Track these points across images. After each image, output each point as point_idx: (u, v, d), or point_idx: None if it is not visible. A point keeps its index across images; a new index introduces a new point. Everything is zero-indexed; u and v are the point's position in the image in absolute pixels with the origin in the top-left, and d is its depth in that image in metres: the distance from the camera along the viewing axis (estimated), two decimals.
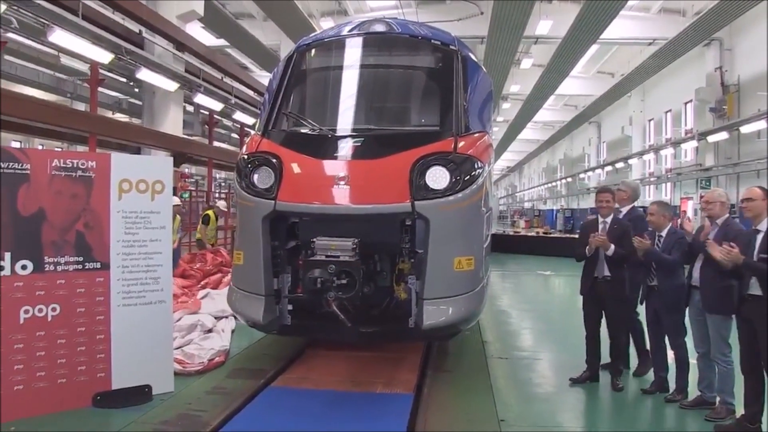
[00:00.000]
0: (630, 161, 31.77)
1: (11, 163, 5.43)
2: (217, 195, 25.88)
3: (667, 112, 29.35)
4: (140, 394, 5.89)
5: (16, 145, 25.06)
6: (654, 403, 6.28)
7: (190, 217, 20.41)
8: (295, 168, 6.22)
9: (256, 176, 6.24)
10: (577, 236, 7.44)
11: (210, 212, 13.43)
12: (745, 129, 20.15)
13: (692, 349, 6.21)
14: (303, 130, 6.77)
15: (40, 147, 21.20)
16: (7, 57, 15.79)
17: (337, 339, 6.78)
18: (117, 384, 5.85)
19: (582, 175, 42.41)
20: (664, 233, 6.40)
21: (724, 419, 5.64)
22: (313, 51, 7.58)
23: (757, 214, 5.44)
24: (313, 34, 8.43)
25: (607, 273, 6.62)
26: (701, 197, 6.82)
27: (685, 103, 26.67)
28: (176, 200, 12.99)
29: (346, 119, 6.89)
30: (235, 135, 26.68)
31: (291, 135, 6.79)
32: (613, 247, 6.48)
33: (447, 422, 5.55)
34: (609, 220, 6.76)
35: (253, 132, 7.60)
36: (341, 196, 5.96)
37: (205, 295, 9.52)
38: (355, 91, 7.10)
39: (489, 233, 7.46)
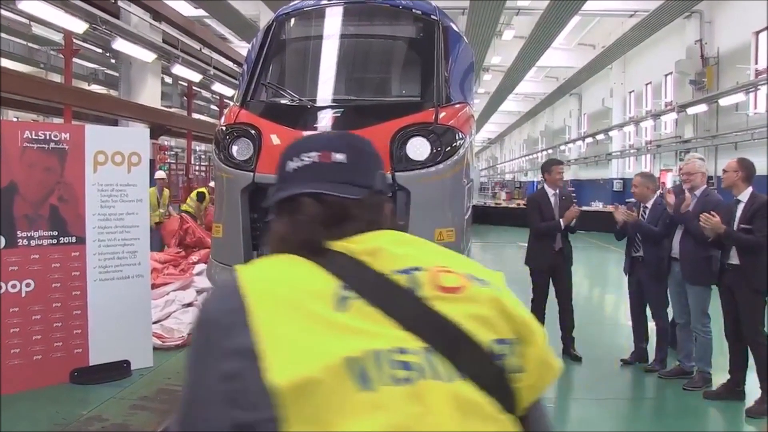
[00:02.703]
0: (610, 133, 31.84)
1: None
2: (197, 168, 25.65)
3: (647, 84, 29.35)
4: (119, 370, 5.84)
5: None
6: (633, 374, 6.34)
7: (170, 191, 20.20)
8: (275, 139, 6.11)
9: (234, 148, 6.12)
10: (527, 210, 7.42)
11: (204, 189, 13.41)
12: (723, 101, 20.20)
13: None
14: (282, 101, 6.65)
15: (14, 119, 20.81)
16: None
17: None
18: (95, 360, 5.78)
19: (563, 147, 42.48)
20: (649, 204, 6.40)
21: (701, 388, 5.70)
22: (292, 20, 7.42)
23: (730, 184, 5.48)
24: (292, 3, 8.26)
25: (560, 244, 6.80)
26: (680, 169, 6.80)
27: (666, 76, 26.69)
28: (162, 174, 12.87)
29: (325, 90, 6.78)
30: (214, 107, 26.37)
31: (270, 106, 6.67)
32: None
33: None
34: (557, 192, 6.84)
35: (231, 103, 7.48)
36: None
37: (200, 271, 9.43)
38: (334, 62, 6.97)
39: (470, 205, 7.43)
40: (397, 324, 1.04)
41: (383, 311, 1.05)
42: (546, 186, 6.94)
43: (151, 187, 11.35)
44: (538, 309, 6.82)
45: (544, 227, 6.81)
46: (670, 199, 6.09)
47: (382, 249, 1.14)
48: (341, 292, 1.06)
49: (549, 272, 6.86)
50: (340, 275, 1.09)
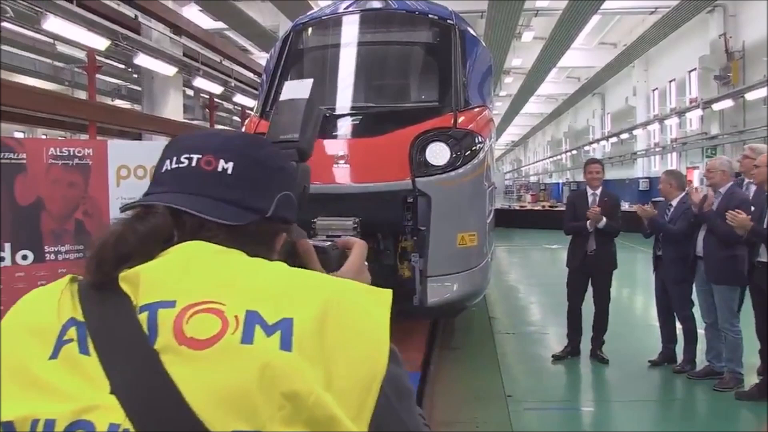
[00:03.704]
0: (635, 132, 31.52)
1: (7, 153, 5.37)
2: None
3: (671, 81, 29.03)
4: None
5: (19, 135, 25.05)
6: (662, 375, 6.25)
7: None
8: None
9: None
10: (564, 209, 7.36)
11: None
12: (750, 96, 19.88)
13: (700, 319, 6.17)
14: None
15: (43, 137, 21.17)
16: (3, 47, 15.71)
17: None
18: None
19: (587, 147, 42.11)
20: (674, 203, 6.31)
21: (732, 389, 5.60)
22: (309, 29, 7.48)
23: (762, 180, 5.39)
24: (309, 13, 8.33)
25: (594, 247, 6.55)
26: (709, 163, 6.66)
27: (689, 72, 26.36)
28: None
29: (344, 97, 6.83)
30: (236, 118, 26.56)
31: None
32: (604, 219, 6.42)
33: (453, 399, 5.54)
34: (599, 192, 6.69)
35: (250, 113, 7.54)
36: (341, 175, 5.90)
37: None
38: (352, 69, 7.01)
39: (492, 208, 7.41)
40: (109, 385, 0.79)
41: (102, 364, 0.80)
42: (587, 186, 6.84)
43: None
44: (572, 311, 6.76)
45: (571, 227, 6.73)
46: (696, 197, 5.99)
47: (141, 272, 0.87)
48: (68, 332, 0.84)
49: (584, 274, 6.72)
50: (84, 308, 0.86)
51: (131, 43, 13.90)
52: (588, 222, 6.48)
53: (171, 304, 0.82)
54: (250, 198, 0.96)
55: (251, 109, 22.42)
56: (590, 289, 6.73)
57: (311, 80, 1.60)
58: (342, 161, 5.87)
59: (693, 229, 6.01)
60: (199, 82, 17.65)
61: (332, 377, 0.79)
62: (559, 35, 22.59)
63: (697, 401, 5.77)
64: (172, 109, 17.07)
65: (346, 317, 0.85)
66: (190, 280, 0.85)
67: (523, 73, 31.13)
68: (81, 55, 17.72)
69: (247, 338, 0.79)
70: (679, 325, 6.39)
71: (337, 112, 6.54)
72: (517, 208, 30.69)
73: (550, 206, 30.36)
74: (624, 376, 6.27)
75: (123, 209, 0.98)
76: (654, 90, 31.58)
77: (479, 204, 6.31)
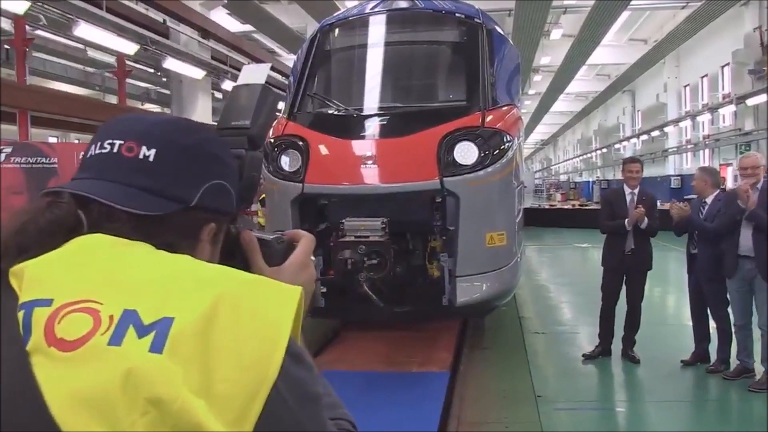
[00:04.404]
0: (666, 129, 31.12)
1: (39, 158, 5.46)
2: None
3: (703, 77, 28.58)
4: None
5: (53, 140, 25.49)
6: (695, 375, 6.15)
7: None
8: (322, 149, 6.16)
9: (283, 159, 6.19)
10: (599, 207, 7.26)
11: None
12: None
13: None
14: (329, 111, 6.70)
15: (76, 141, 21.53)
16: (35, 54, 15.99)
17: (372, 319, 6.74)
18: None
19: (617, 146, 41.64)
20: (708, 200, 6.20)
21: (767, 390, 5.49)
22: (336, 30, 7.49)
23: None
24: (336, 14, 8.34)
25: (632, 246, 6.46)
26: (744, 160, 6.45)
27: (722, 67, 25.94)
28: None
29: (371, 98, 6.82)
30: None
31: (317, 116, 6.74)
32: (647, 219, 6.33)
33: (483, 399, 5.51)
34: (636, 191, 6.59)
35: (279, 115, 7.58)
36: (369, 176, 5.89)
37: None
38: (379, 69, 7.01)
39: (521, 207, 7.35)
40: None
41: None
42: (625, 185, 6.74)
43: None
44: (606, 311, 6.67)
45: (608, 226, 6.64)
46: (746, 195, 5.70)
47: (26, 267, 0.82)
48: None
49: (620, 273, 6.63)
50: None
51: (160, 47, 14.10)
52: (626, 221, 6.39)
53: (47, 302, 0.78)
54: (170, 187, 0.91)
55: (279, 110, 22.51)
56: (623, 288, 6.65)
57: (269, 65, 1.56)
58: (370, 162, 5.86)
59: (730, 227, 5.87)
60: (228, 85, 17.81)
61: (212, 381, 0.75)
62: (588, 32, 22.38)
63: (731, 402, 5.66)
64: (201, 111, 17.25)
65: (238, 315, 0.79)
66: (72, 277, 0.81)
67: (552, 71, 30.89)
68: (111, 60, 17.99)
69: (116, 340, 0.75)
70: (712, 324, 6.27)
71: (365, 112, 6.54)
72: (547, 207, 30.42)
73: (580, 205, 30.09)
74: (656, 376, 6.17)
75: (41, 195, 0.93)
76: (685, 86, 31.13)
77: (508, 203, 6.27)
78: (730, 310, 6.06)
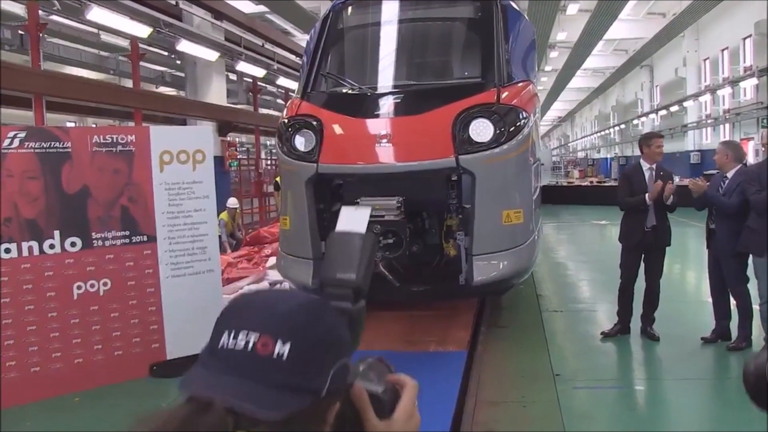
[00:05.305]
0: (685, 104, 30.71)
1: (53, 143, 5.46)
2: (268, 163, 26.05)
3: (723, 50, 28.11)
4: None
5: (71, 125, 25.63)
6: (715, 352, 6.08)
7: (241, 187, 20.56)
8: (336, 129, 6.11)
9: (297, 140, 6.15)
10: (618, 184, 7.14)
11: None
12: None
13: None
14: (342, 90, 6.65)
15: (93, 125, 21.61)
16: (50, 39, 16.01)
17: (389, 299, 6.72)
18: (171, 354, 5.92)
19: (635, 121, 41.20)
20: (729, 174, 6.09)
21: None
22: (348, 9, 7.40)
23: None
24: None
25: (654, 222, 6.37)
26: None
27: (744, 39, 25.49)
28: (234, 202, 13.32)
29: (385, 76, 6.76)
30: (281, 101, 26.68)
31: (330, 96, 6.68)
32: (672, 195, 6.23)
33: (500, 378, 5.48)
34: (654, 167, 6.48)
35: (293, 95, 7.53)
36: (384, 155, 5.84)
37: (273, 265, 9.62)
38: (393, 47, 6.93)
39: (538, 185, 7.27)
40: None
41: None
42: (642, 160, 6.60)
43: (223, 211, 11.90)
44: (625, 288, 6.60)
45: (629, 202, 6.53)
46: None
47: None
48: None
49: (639, 250, 6.54)
50: None
51: (173, 30, 14.02)
52: (647, 195, 6.29)
53: None
54: (306, 381, 0.94)
55: (294, 91, 22.48)
56: (641, 265, 6.57)
57: (369, 209, 1.54)
58: (385, 140, 5.80)
59: (747, 203, 5.77)
60: (242, 66, 17.75)
61: None
62: (605, 6, 22.04)
63: None
64: (216, 93, 17.22)
65: None
66: None
67: (569, 46, 30.53)
68: (125, 43, 17.98)
69: None
70: (733, 301, 6.19)
71: (379, 91, 6.47)
72: (565, 184, 30.20)
73: (598, 182, 29.86)
74: (676, 353, 6.11)
75: (183, 389, 0.94)
76: (705, 60, 30.65)
77: (524, 180, 6.20)
78: (751, 286, 5.97)
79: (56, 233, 5.46)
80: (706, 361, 6.00)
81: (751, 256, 5.89)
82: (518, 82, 6.48)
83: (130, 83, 18.39)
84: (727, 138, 24.99)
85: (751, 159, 23.35)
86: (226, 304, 1.04)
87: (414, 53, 7.12)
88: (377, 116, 6.15)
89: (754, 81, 22.92)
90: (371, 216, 5.70)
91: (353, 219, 1.33)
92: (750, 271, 6.11)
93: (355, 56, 7.35)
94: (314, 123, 6.10)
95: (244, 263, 10.15)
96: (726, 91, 26.12)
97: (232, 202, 13.44)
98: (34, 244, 5.37)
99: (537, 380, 5.42)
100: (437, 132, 5.76)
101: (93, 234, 5.63)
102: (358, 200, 5.81)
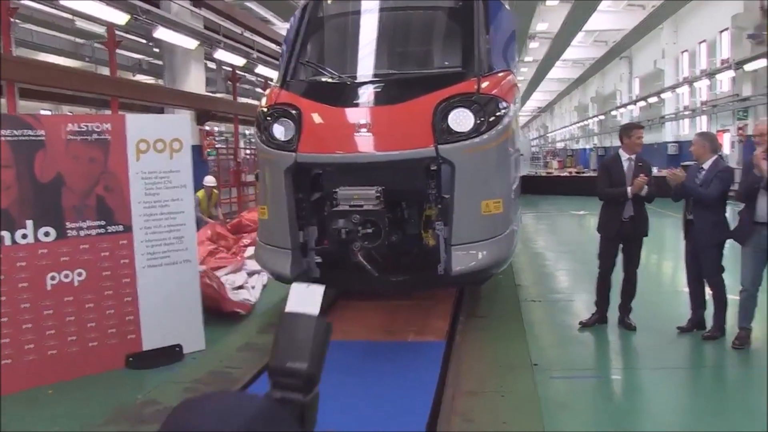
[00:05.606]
0: (663, 96, 30.95)
1: (25, 130, 5.35)
2: (247, 152, 25.88)
3: (701, 42, 28.35)
4: (171, 354, 5.91)
5: (46, 113, 25.26)
6: (691, 342, 6.13)
7: (219, 176, 20.40)
8: (316, 118, 6.06)
9: (276, 128, 6.09)
10: (597, 175, 7.16)
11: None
12: None
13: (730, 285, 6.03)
14: (322, 79, 6.59)
15: (68, 114, 21.34)
16: (22, 25, 15.74)
17: (368, 289, 6.71)
18: (148, 345, 5.86)
19: (614, 113, 41.47)
20: (706, 165, 6.13)
21: None
22: None
23: None
24: None
25: (631, 212, 6.39)
26: (756, 126, 6.35)
27: (720, 32, 25.70)
28: (211, 181, 13.04)
29: (365, 65, 6.71)
30: (259, 90, 26.49)
31: (310, 85, 6.63)
32: (646, 187, 6.26)
33: (479, 368, 5.48)
34: (633, 157, 6.49)
35: (272, 84, 7.45)
36: (363, 144, 5.80)
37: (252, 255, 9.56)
38: (373, 36, 6.89)
39: (518, 175, 7.28)
40: None
41: None
42: (621, 151, 6.58)
43: (200, 190, 11.67)
44: (603, 278, 6.63)
45: (609, 193, 6.53)
46: (763, 164, 5.59)
47: None
48: None
49: (617, 240, 6.55)
50: None
51: (151, 17, 13.81)
52: (629, 188, 6.30)
53: None
54: None
55: (273, 80, 22.30)
56: (619, 255, 6.60)
57: (322, 288, 1.46)
58: (364, 129, 5.76)
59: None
60: (221, 55, 17.54)
61: None
62: None
63: (727, 368, 5.65)
64: (194, 82, 17.02)
65: None
66: None
67: (549, 37, 30.62)
68: (101, 30, 17.72)
69: None
70: (708, 291, 6.24)
71: (359, 80, 6.43)
72: (544, 174, 30.33)
73: (577, 172, 30.03)
74: (652, 343, 6.15)
75: None
76: (683, 52, 30.89)
77: (504, 170, 6.19)
78: (725, 275, 6.03)
79: (29, 223, 5.36)
80: (682, 350, 6.05)
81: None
82: (498, 71, 6.46)
83: (106, 71, 18.18)
84: (705, 129, 25.23)
85: (726, 150, 23.61)
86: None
87: (394, 42, 7.08)
88: (357, 105, 6.11)
89: (730, 74, 23.13)
90: (350, 206, 5.68)
91: (305, 298, 1.27)
92: (725, 261, 6.18)
93: (335, 45, 7.29)
94: (293, 112, 6.05)
95: (222, 253, 10.07)
96: (703, 84, 26.35)
97: (210, 180, 13.00)
98: (6, 234, 5.26)
99: (515, 370, 5.43)
100: (417, 121, 5.73)
101: (67, 223, 5.54)
102: (337, 190, 5.78)
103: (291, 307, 1.41)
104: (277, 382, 1.31)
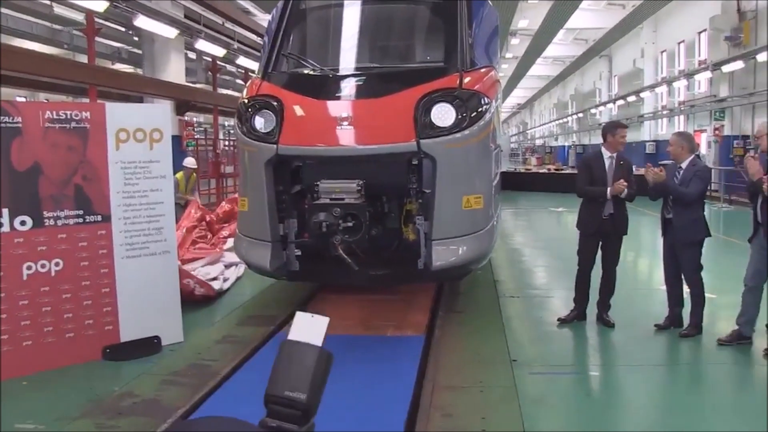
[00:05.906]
0: (642, 95, 31.22)
1: (2, 117, 5.26)
2: (226, 144, 25.73)
3: (680, 42, 28.63)
4: (149, 346, 5.86)
5: (21, 100, 24.89)
6: (668, 339, 6.20)
7: (198, 167, 20.25)
8: (297, 110, 6.02)
9: (256, 120, 6.05)
10: (577, 171, 7.18)
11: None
12: (761, 57, 19.55)
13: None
14: (304, 71, 6.55)
15: (44, 101, 21.05)
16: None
17: (347, 283, 6.69)
18: (125, 336, 5.80)
19: (593, 111, 41.77)
20: (684, 165, 6.18)
21: None
22: None
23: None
24: None
25: (611, 210, 6.42)
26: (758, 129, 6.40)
27: (699, 33, 25.95)
28: (191, 162, 12.77)
29: (347, 58, 6.68)
30: (240, 81, 26.32)
31: (292, 77, 6.59)
32: (626, 190, 6.29)
33: (458, 363, 5.49)
34: (615, 156, 6.52)
35: (253, 75, 7.40)
36: (345, 137, 5.78)
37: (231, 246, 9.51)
38: (356, 29, 6.86)
39: (498, 171, 7.30)
40: None
41: None
42: (603, 149, 6.58)
43: (179, 171, 11.47)
44: (582, 275, 6.67)
45: (589, 192, 6.55)
46: (754, 166, 5.61)
47: None
48: None
49: (597, 238, 6.57)
50: None
51: (131, 5, 13.67)
52: (609, 190, 6.32)
53: None
54: None
55: (254, 71, 22.17)
56: (598, 252, 6.64)
57: (327, 320, 1.43)
58: (346, 123, 5.74)
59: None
60: (201, 45, 17.42)
61: None
62: None
63: (704, 366, 5.72)
64: (174, 72, 16.89)
65: None
66: None
67: (530, 34, 30.74)
68: (80, 17, 17.49)
69: None
70: (686, 289, 6.31)
71: (341, 72, 6.40)
72: (523, 171, 30.49)
73: (556, 169, 30.22)
74: (630, 340, 6.21)
75: None
76: (662, 52, 31.18)
77: (485, 166, 6.20)
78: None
79: (5, 211, 5.27)
80: (659, 347, 6.10)
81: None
82: (481, 67, 6.47)
83: (84, 58, 17.95)
84: (682, 129, 25.50)
85: (703, 150, 23.89)
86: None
87: (377, 36, 7.06)
88: (339, 98, 6.08)
89: (708, 74, 23.38)
90: (331, 199, 5.66)
91: (309, 328, 1.24)
92: (704, 259, 6.24)
93: (317, 37, 7.25)
94: (275, 104, 6.01)
95: (201, 244, 9.99)
96: (681, 84, 26.62)
97: (190, 161, 12.62)
98: None
99: (494, 365, 5.45)
100: (399, 115, 5.72)
101: (45, 213, 5.46)
102: (318, 183, 5.76)
103: (294, 335, 1.38)
104: (273, 411, 1.29)
